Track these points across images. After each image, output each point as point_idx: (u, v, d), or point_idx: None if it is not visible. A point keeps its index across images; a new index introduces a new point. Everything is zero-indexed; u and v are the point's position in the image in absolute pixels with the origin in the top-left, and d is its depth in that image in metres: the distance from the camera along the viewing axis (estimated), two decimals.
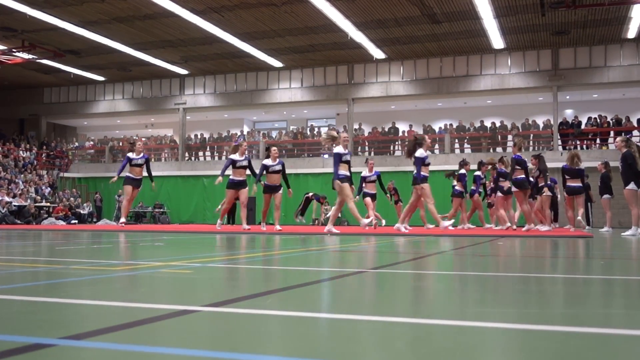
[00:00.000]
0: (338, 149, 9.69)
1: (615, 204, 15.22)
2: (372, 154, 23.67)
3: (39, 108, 28.02)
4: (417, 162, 9.88)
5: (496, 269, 3.56)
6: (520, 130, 22.23)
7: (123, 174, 11.99)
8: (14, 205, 19.70)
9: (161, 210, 24.21)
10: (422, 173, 9.88)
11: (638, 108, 22.00)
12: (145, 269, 3.15)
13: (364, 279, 2.82)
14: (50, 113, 28.19)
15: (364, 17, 17.85)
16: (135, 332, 1.41)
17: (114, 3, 16.96)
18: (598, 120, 21.32)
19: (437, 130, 23.66)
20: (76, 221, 20.88)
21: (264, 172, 10.93)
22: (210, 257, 4.33)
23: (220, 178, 11.10)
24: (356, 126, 24.07)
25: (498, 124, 22.80)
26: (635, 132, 20.72)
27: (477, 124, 23.01)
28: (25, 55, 21.48)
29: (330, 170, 22.54)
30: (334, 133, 9.94)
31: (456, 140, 23.14)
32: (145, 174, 12.14)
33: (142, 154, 11.98)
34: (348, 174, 9.84)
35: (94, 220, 22.59)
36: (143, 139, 27.53)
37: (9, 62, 21.83)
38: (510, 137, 22.12)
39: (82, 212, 22.41)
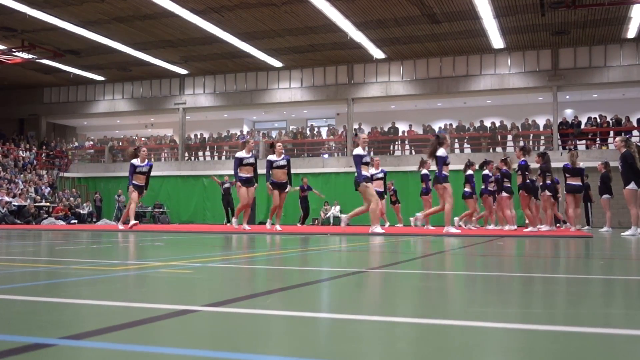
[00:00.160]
0: (358, 150, 9.59)
1: (615, 204, 15.21)
2: (372, 153, 23.64)
3: (39, 108, 28.02)
4: (439, 162, 9.73)
5: (496, 269, 3.55)
6: (520, 130, 22.25)
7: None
8: (14, 205, 19.70)
9: (161, 210, 24.21)
10: (443, 172, 9.75)
11: (638, 108, 22.00)
12: (145, 269, 3.14)
13: (364, 278, 2.81)
14: (50, 113, 28.19)
15: (364, 17, 17.85)
16: (135, 332, 1.41)
17: (113, 3, 16.96)
18: (598, 120, 21.33)
19: (436, 130, 23.64)
20: (76, 221, 20.88)
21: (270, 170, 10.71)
22: (210, 257, 4.33)
23: (239, 183, 10.73)
24: (356, 126, 24.06)
25: (498, 124, 22.81)
26: (635, 132, 20.72)
27: (477, 124, 23.01)
28: (25, 55, 21.48)
29: (330, 170, 22.70)
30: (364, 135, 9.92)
31: (456, 140, 23.13)
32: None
33: (146, 161, 11.73)
34: (368, 174, 9.74)
35: (94, 220, 22.59)
36: (143, 139, 27.68)
37: (9, 62, 21.84)
38: (510, 137, 22.15)
39: (81, 212, 22.41)
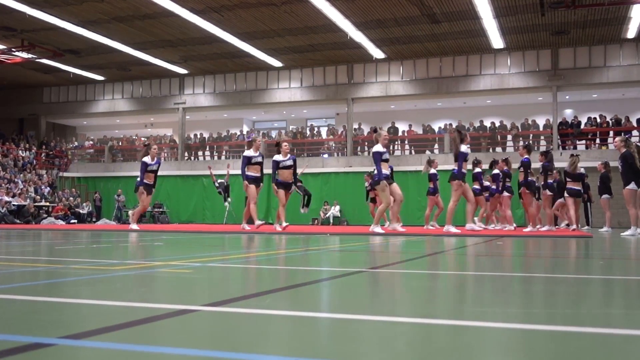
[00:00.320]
0: (378, 147, 9.37)
1: (615, 204, 15.21)
2: (372, 153, 23.65)
3: (39, 107, 28.01)
4: (461, 158, 9.57)
5: (496, 269, 3.56)
6: (520, 130, 22.26)
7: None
8: (14, 205, 19.70)
9: (160, 210, 24.20)
10: (463, 170, 9.59)
11: (637, 108, 22.00)
12: (144, 269, 3.14)
13: (364, 278, 2.81)
14: (49, 113, 28.18)
15: (364, 17, 17.85)
16: (135, 332, 1.41)
17: (113, 3, 16.95)
18: (598, 120, 21.33)
19: (436, 130, 23.67)
20: (75, 221, 20.88)
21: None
22: (209, 257, 4.33)
23: (246, 182, 10.56)
24: (356, 126, 24.07)
25: (498, 124, 22.81)
26: (634, 132, 20.73)
27: (477, 124, 23.01)
28: (25, 55, 21.48)
29: (330, 170, 22.69)
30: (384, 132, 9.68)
31: None
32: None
33: (155, 159, 11.36)
34: (388, 172, 9.55)
35: (93, 220, 22.59)
36: (142, 139, 27.66)
37: (9, 61, 21.83)
38: (509, 137, 22.16)
39: (81, 211, 22.41)
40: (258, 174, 10.65)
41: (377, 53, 21.57)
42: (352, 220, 21.37)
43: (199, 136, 26.39)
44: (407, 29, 19.08)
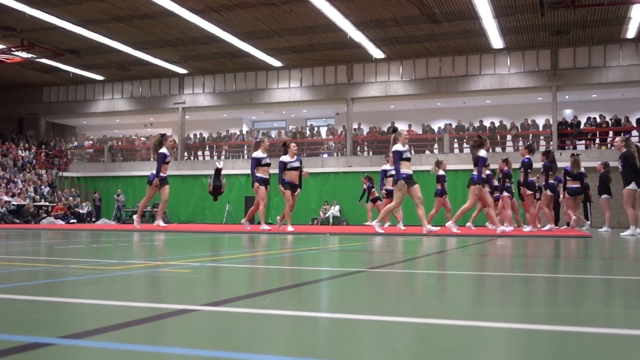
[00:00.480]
0: (397, 146, 9.05)
1: (614, 204, 15.20)
2: (371, 153, 23.68)
3: (38, 107, 28.00)
4: (481, 163, 9.45)
5: (496, 269, 3.55)
6: (520, 130, 22.27)
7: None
8: (13, 205, 19.69)
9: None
10: (482, 175, 9.49)
11: (637, 108, 22.01)
12: (144, 269, 3.14)
13: (363, 278, 2.81)
14: (49, 112, 28.17)
15: (364, 16, 17.86)
16: (135, 332, 1.41)
17: (113, 2, 16.95)
18: (597, 120, 21.34)
19: (436, 130, 23.67)
20: (75, 220, 20.88)
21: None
22: (209, 257, 4.33)
23: (257, 184, 10.33)
24: (355, 126, 24.07)
25: (497, 124, 22.82)
26: (634, 132, 20.73)
27: (477, 124, 23.01)
28: (24, 55, 21.48)
29: (329, 169, 22.69)
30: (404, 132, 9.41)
31: (455, 140, 23.14)
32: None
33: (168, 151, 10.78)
34: (410, 172, 9.16)
35: (93, 219, 22.58)
36: (142, 139, 27.67)
37: (8, 61, 21.83)
38: (509, 137, 22.16)
39: (81, 211, 22.41)
40: (267, 176, 10.49)
41: (377, 53, 21.57)
42: (351, 220, 21.36)
43: (198, 136, 26.39)
44: (407, 29, 19.09)
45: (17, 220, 18.86)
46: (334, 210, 21.73)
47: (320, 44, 20.89)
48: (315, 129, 25.70)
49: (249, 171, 23.06)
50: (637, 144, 10.37)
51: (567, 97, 22.62)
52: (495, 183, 13.11)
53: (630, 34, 19.32)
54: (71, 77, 25.58)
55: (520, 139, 21.91)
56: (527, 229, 11.05)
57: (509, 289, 2.44)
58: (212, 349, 1.23)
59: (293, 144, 10.53)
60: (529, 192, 10.96)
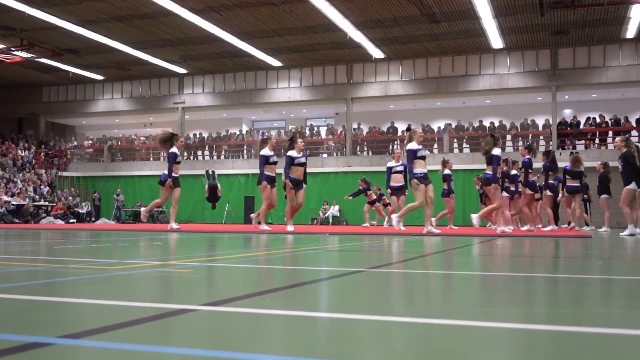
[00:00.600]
0: (412, 145, 8.89)
1: (614, 204, 15.18)
2: (371, 153, 23.68)
3: (38, 107, 28.00)
4: (495, 161, 9.39)
5: (495, 269, 3.55)
6: (519, 130, 22.27)
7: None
8: (13, 204, 19.68)
9: (160, 209, 24.16)
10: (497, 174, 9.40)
11: (637, 108, 22.02)
12: (144, 268, 3.14)
13: (363, 278, 2.81)
14: (48, 112, 28.17)
15: (363, 16, 17.86)
16: (134, 331, 1.41)
17: (112, 2, 16.95)
18: (597, 120, 21.34)
19: (436, 130, 23.67)
20: (74, 220, 20.87)
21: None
22: (209, 257, 4.33)
23: (264, 182, 10.03)
24: (355, 126, 24.07)
25: (497, 124, 22.82)
26: (634, 132, 20.74)
27: (476, 124, 23.02)
28: (24, 54, 21.48)
29: (329, 169, 22.69)
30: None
31: (455, 140, 23.14)
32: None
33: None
34: (425, 170, 8.97)
35: (93, 219, 22.57)
36: (142, 138, 27.66)
37: (8, 60, 21.82)
38: (509, 137, 22.16)
39: (80, 211, 22.39)
40: (274, 174, 10.25)
41: (377, 53, 21.57)
42: (351, 220, 21.36)
43: (198, 136, 26.38)
44: (407, 29, 19.09)
45: (17, 220, 18.86)
46: (334, 210, 21.73)
47: (320, 44, 20.89)
48: (315, 128, 25.70)
49: (248, 171, 23.09)
50: (637, 144, 10.38)
51: (566, 97, 22.63)
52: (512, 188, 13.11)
53: (630, 34, 19.33)
54: (71, 76, 25.58)
55: (520, 138, 21.91)
56: (525, 228, 11.07)
57: (509, 289, 2.43)
58: (212, 349, 1.23)
59: (300, 140, 10.21)
60: (529, 192, 10.97)
